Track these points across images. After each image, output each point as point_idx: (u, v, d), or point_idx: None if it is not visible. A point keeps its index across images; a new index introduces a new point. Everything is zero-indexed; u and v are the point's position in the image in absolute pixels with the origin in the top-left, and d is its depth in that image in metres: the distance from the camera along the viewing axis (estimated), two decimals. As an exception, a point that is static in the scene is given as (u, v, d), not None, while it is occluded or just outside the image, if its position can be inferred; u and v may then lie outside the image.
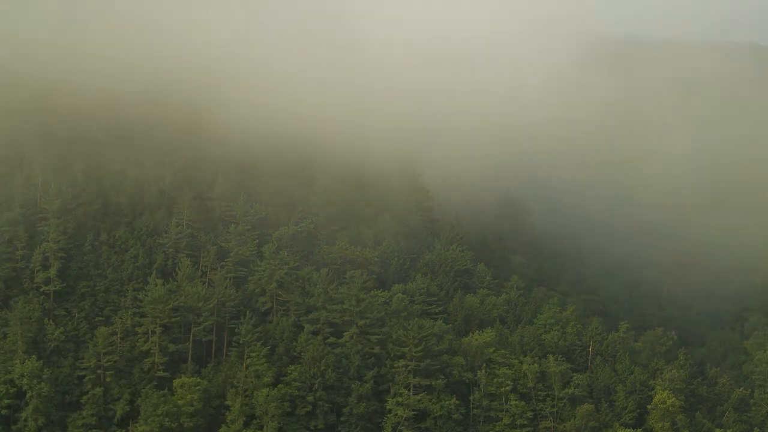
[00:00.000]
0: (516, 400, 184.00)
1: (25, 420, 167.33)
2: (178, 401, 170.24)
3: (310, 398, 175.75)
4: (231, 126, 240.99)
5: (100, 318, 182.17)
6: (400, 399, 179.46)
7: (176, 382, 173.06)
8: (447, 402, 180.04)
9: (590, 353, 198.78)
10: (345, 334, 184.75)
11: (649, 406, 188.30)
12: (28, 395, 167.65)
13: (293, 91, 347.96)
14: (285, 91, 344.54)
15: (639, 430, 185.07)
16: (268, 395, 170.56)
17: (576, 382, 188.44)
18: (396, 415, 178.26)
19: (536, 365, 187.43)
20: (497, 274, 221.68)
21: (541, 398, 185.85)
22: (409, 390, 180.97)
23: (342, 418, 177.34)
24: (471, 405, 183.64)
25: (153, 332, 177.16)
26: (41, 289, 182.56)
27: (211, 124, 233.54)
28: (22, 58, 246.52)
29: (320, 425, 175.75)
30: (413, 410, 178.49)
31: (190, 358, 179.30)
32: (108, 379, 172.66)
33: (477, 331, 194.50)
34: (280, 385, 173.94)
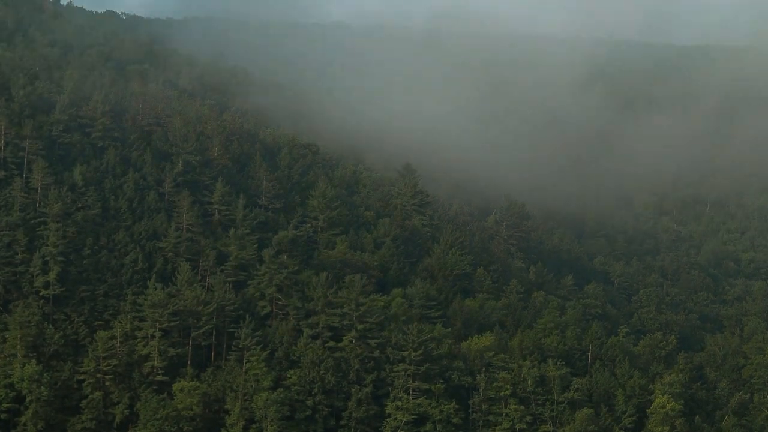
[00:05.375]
0: (515, 404, 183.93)
1: (25, 424, 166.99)
2: (178, 405, 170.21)
3: (309, 402, 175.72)
4: (231, 128, 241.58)
5: (100, 322, 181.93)
6: (399, 403, 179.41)
7: (176, 387, 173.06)
8: (446, 406, 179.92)
9: (590, 357, 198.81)
10: (344, 338, 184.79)
11: (648, 411, 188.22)
12: (27, 399, 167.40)
13: (293, 93, 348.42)
14: (284, 93, 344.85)
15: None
16: (267, 399, 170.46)
17: (575, 386, 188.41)
18: (395, 419, 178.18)
19: (536, 369, 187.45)
20: (496, 279, 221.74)
21: (540, 402, 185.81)
22: (408, 394, 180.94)
23: (341, 422, 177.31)
24: (470, 409, 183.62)
25: (152, 336, 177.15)
26: (41, 293, 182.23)
27: (210, 126, 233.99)
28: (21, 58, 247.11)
29: (320, 429, 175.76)
30: (413, 414, 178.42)
31: (189, 363, 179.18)
32: (107, 384, 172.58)
33: (476, 336, 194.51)
34: (279, 390, 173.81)
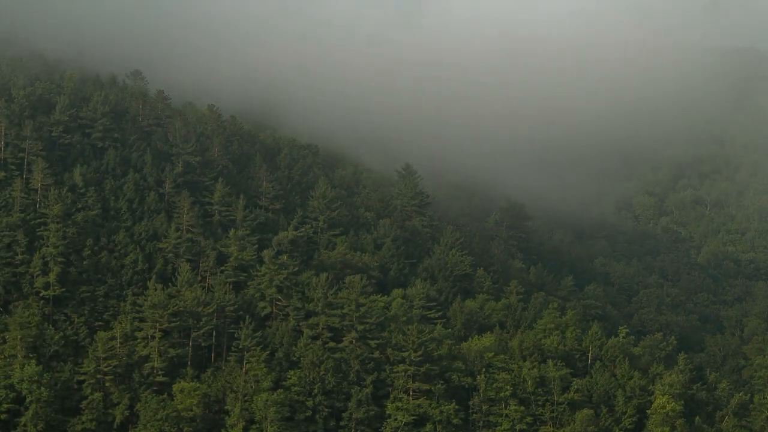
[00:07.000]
0: (515, 405, 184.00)
1: (25, 425, 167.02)
2: (178, 406, 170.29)
3: (309, 403, 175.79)
4: (231, 129, 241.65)
5: (100, 323, 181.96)
6: (399, 404, 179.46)
7: (176, 387, 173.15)
8: (446, 407, 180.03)
9: (590, 358, 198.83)
10: (344, 338, 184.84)
11: (648, 411, 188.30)
12: (27, 400, 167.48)
13: (293, 95, 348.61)
14: (284, 94, 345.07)
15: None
16: (267, 400, 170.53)
17: (575, 387, 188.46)
18: (396, 419, 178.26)
19: (536, 370, 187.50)
20: (497, 279, 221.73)
21: (540, 403, 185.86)
22: (408, 395, 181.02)
23: (341, 423, 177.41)
24: (470, 410, 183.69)
25: (152, 337, 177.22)
26: (41, 294, 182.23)
27: (210, 127, 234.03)
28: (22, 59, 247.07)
29: (320, 430, 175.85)
30: (413, 415, 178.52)
31: (189, 363, 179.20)
32: (107, 384, 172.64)
33: (476, 336, 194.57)
34: (279, 390, 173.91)
